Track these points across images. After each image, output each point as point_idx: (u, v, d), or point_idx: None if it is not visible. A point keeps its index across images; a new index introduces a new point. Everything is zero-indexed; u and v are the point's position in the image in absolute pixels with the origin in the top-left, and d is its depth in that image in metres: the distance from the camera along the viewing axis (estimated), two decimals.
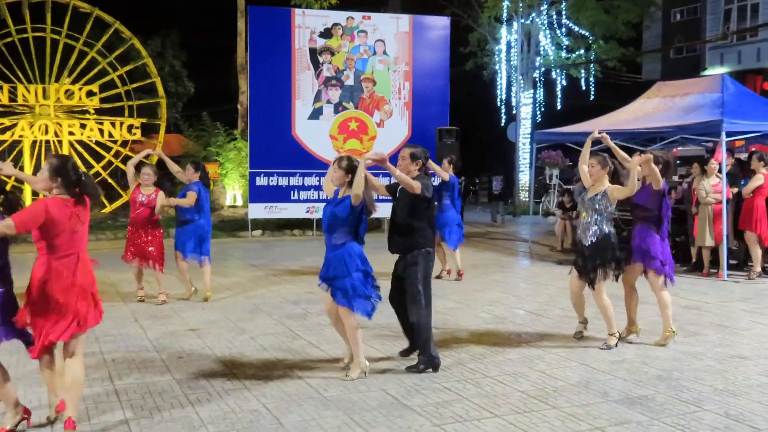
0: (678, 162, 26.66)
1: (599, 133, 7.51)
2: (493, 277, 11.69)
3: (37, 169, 16.57)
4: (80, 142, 21.87)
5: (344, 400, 5.47)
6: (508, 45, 28.62)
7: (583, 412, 5.23)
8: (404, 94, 18.12)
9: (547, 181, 26.42)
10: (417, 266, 6.29)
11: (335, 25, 17.83)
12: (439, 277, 11.39)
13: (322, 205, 6.26)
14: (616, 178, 7.12)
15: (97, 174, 22.72)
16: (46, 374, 4.98)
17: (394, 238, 6.38)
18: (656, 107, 13.99)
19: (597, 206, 6.97)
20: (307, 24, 17.65)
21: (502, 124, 29.32)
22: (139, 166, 9.31)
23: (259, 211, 17.54)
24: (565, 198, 15.62)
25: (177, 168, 9.75)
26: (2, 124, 20.52)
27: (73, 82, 21.67)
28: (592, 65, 28.73)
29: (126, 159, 17.53)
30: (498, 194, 24.00)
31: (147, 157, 9.65)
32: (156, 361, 6.53)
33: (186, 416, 5.11)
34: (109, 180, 22.40)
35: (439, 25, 18.77)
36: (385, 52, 18.02)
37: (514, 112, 28.69)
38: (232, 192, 22.28)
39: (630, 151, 7.86)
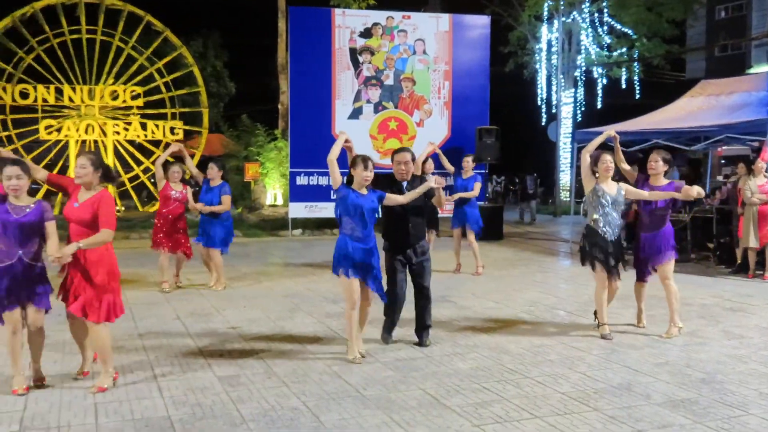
0: (722, 162, 26.22)
1: (614, 133, 7.90)
2: (533, 278, 11.61)
3: None
4: (122, 143, 22.32)
5: (383, 399, 5.48)
6: (549, 44, 28.39)
7: (625, 414, 5.17)
8: (444, 93, 18.08)
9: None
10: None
11: (375, 24, 17.86)
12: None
13: None
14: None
15: (145, 171, 23.17)
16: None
17: (411, 231, 6.85)
18: (700, 106, 13.80)
19: (619, 202, 7.35)
20: (347, 24, 17.71)
21: (543, 124, 29.09)
22: (166, 165, 10.05)
23: (299, 210, 17.65)
24: None
25: (196, 171, 10.31)
26: (49, 124, 20.99)
27: (116, 83, 22.12)
28: (635, 64, 28.33)
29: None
30: (532, 193, 24.05)
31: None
32: (198, 359, 6.62)
33: (227, 413, 5.17)
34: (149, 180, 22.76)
35: (479, 24, 18.69)
36: (424, 52, 18.00)
37: (554, 111, 28.44)
38: (272, 191, 22.43)
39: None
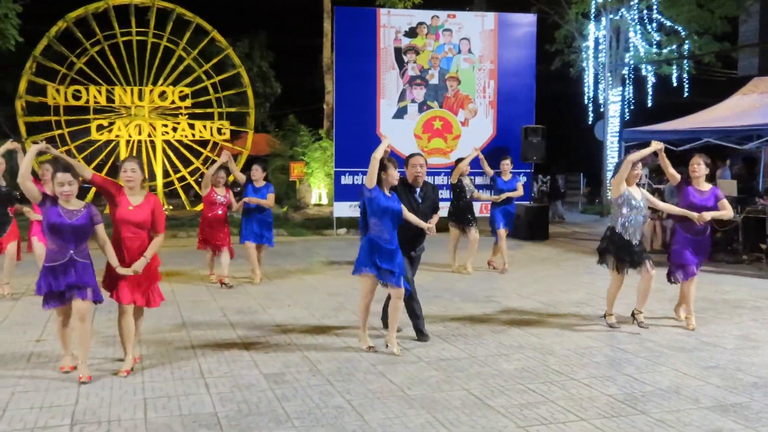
0: None
1: (661, 145, 8.17)
2: (579, 279, 11.48)
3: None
4: (170, 143, 22.72)
5: (427, 398, 5.48)
6: (596, 41, 28.00)
7: (673, 418, 5.09)
8: (489, 92, 17.97)
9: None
10: None
11: (420, 24, 17.83)
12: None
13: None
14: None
15: (196, 170, 23.53)
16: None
17: (420, 235, 7.09)
18: (753, 104, 13.51)
19: (643, 207, 7.79)
20: (392, 23, 17.70)
21: (590, 122, 28.70)
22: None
23: (343, 209, 17.70)
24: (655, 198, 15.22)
25: (240, 175, 10.79)
26: (100, 124, 21.47)
27: (168, 86, 22.54)
28: (685, 61, 27.77)
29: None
30: (563, 192, 24.01)
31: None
32: (243, 356, 6.69)
33: (272, 410, 5.22)
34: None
35: (525, 22, 18.51)
36: (470, 51, 17.91)
37: (601, 110, 28.05)
38: (317, 191, 22.56)
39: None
